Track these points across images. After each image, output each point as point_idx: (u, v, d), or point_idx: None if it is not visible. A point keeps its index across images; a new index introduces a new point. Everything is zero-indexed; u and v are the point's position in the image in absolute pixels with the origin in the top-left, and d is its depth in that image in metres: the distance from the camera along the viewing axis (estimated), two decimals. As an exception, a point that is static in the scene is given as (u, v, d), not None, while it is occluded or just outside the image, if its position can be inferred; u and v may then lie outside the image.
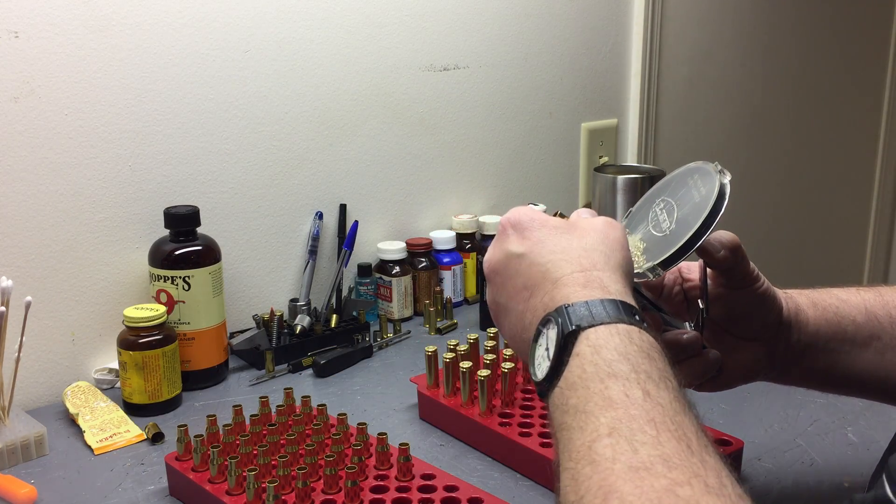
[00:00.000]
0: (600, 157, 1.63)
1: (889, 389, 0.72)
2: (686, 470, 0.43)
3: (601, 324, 0.52)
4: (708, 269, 0.70)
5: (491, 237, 1.40)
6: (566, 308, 0.54)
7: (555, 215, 0.68)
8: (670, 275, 0.72)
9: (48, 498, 0.82)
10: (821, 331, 0.71)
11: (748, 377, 0.72)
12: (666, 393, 0.49)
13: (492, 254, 0.63)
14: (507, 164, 1.49)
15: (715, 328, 0.70)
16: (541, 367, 0.54)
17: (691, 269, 0.73)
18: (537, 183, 1.54)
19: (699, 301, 0.70)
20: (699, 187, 0.66)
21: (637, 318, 0.54)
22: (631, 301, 0.55)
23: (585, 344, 0.51)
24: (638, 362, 0.50)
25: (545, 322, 0.55)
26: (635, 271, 0.64)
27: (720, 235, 0.67)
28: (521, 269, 0.59)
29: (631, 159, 1.69)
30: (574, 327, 0.52)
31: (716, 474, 0.43)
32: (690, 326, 0.69)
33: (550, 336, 0.54)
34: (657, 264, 0.64)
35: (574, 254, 0.58)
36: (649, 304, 0.69)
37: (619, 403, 0.47)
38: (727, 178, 0.65)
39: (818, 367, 0.71)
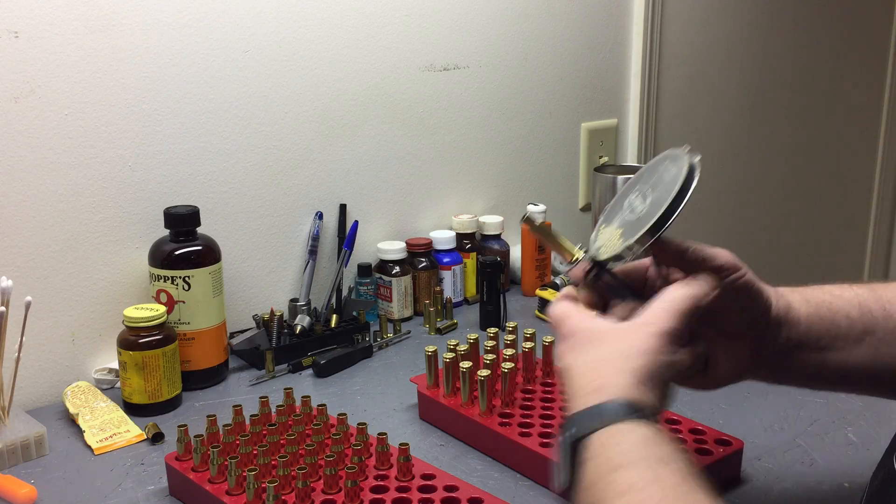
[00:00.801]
0: (600, 157, 1.63)
1: (883, 383, 0.72)
2: None
3: (607, 425, 0.56)
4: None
5: (491, 237, 1.40)
6: (572, 418, 0.59)
7: (523, 221, 0.70)
8: (652, 268, 0.71)
9: (48, 498, 0.82)
10: (813, 328, 0.70)
11: (735, 376, 0.71)
12: (672, 475, 0.52)
13: (559, 353, 0.67)
14: (507, 164, 1.49)
15: (698, 325, 0.68)
16: (563, 476, 0.59)
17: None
18: (537, 183, 1.54)
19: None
20: (669, 169, 0.67)
21: (641, 412, 0.57)
22: (644, 397, 0.58)
23: (594, 447, 0.56)
24: (642, 450, 0.54)
25: (560, 434, 0.60)
26: (614, 253, 0.65)
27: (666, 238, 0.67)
28: (566, 381, 0.64)
29: (631, 159, 1.69)
30: (580, 435, 0.57)
31: None
32: None
33: (562, 446, 0.59)
34: (634, 241, 0.64)
35: (591, 366, 0.62)
36: (627, 292, 0.68)
37: (630, 490, 0.51)
38: (696, 158, 0.65)
39: (810, 365, 0.71)
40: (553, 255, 1.42)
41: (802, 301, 0.71)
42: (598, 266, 0.67)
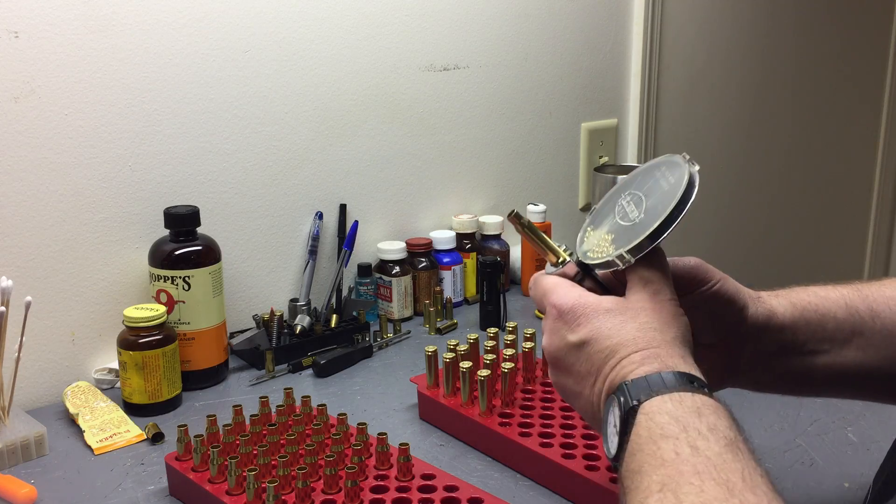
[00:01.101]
0: (600, 157, 1.63)
1: (871, 385, 0.71)
2: None
3: (658, 394, 0.55)
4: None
5: (491, 237, 1.40)
6: (626, 385, 0.57)
7: (511, 216, 0.68)
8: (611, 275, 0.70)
9: (48, 498, 0.82)
10: (799, 332, 0.69)
11: (715, 385, 0.69)
12: (714, 444, 0.51)
13: (549, 341, 0.64)
14: (507, 164, 1.49)
15: None
16: (612, 444, 0.57)
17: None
18: (537, 183, 1.54)
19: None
20: (667, 177, 0.64)
21: (694, 383, 0.56)
22: (690, 369, 0.57)
23: (643, 415, 0.54)
24: (688, 421, 0.52)
25: (609, 402, 0.58)
26: (603, 259, 0.63)
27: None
28: (583, 356, 0.61)
29: (631, 159, 1.69)
30: (634, 402, 0.55)
31: None
32: None
33: (615, 414, 0.57)
34: (626, 251, 0.62)
35: (630, 335, 0.59)
36: (608, 294, 0.66)
37: (669, 462, 0.50)
38: (696, 168, 0.63)
39: (797, 370, 0.69)
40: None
41: (788, 305, 0.69)
42: (585, 269, 0.66)
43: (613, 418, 0.57)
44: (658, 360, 0.57)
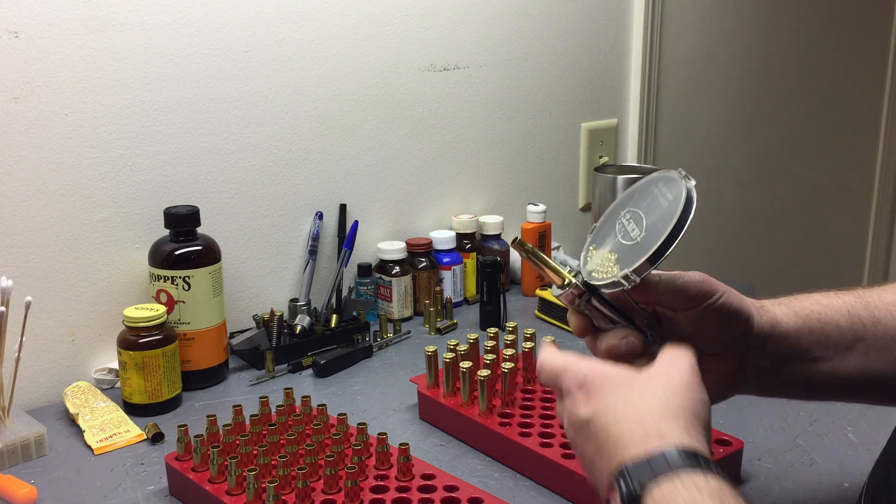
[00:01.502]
0: (600, 157, 1.63)
1: (874, 390, 0.71)
2: None
3: (662, 476, 0.52)
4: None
5: (491, 237, 1.40)
6: (626, 470, 0.54)
7: (514, 243, 0.67)
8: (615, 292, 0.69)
9: (48, 498, 0.82)
10: (803, 340, 0.69)
11: (723, 394, 0.70)
12: None
13: (566, 415, 0.62)
14: (507, 164, 1.49)
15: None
16: None
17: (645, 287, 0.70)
18: (537, 183, 1.54)
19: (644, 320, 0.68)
20: (665, 194, 0.65)
21: (700, 461, 0.53)
22: (694, 443, 0.54)
23: (653, 501, 0.51)
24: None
25: (611, 489, 0.55)
26: (609, 280, 0.63)
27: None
28: (591, 433, 0.59)
29: (631, 159, 1.69)
30: (636, 490, 0.52)
31: None
32: (647, 343, 0.67)
33: (619, 501, 0.54)
34: (631, 271, 0.62)
35: (632, 410, 0.57)
36: (619, 316, 0.67)
37: None
38: (692, 183, 0.64)
39: (801, 377, 0.70)
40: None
41: (791, 314, 0.70)
42: (591, 290, 0.66)
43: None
44: (658, 435, 0.54)
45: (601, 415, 0.58)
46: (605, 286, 0.64)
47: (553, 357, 0.64)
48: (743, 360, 0.68)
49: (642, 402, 0.57)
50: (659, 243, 0.61)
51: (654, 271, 0.63)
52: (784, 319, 0.69)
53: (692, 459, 0.52)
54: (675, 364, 0.60)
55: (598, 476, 0.59)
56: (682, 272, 0.66)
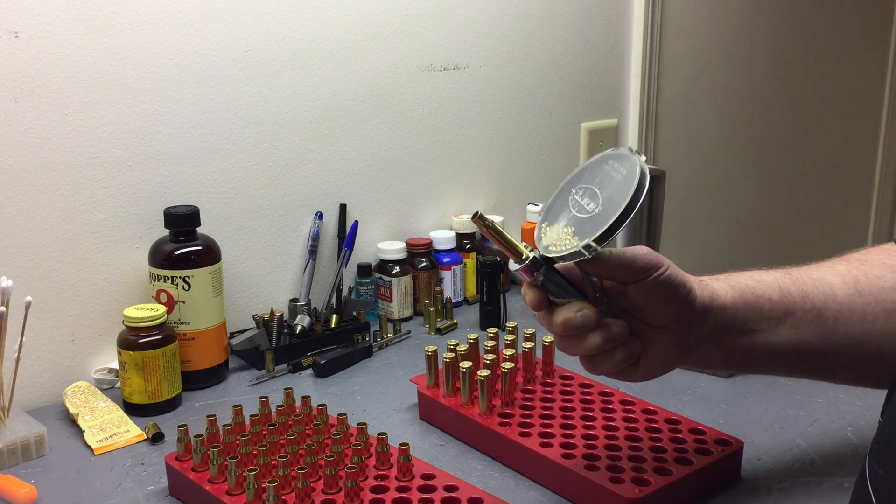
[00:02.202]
0: (600, 157, 1.63)
1: (804, 363, 0.75)
2: None
3: None
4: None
5: (491, 237, 1.40)
6: None
7: (475, 217, 0.68)
8: (567, 267, 0.72)
9: (48, 498, 0.82)
10: (739, 312, 0.73)
11: (666, 366, 0.73)
12: None
13: None
14: (507, 164, 1.49)
15: (627, 318, 0.71)
16: None
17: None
18: (537, 183, 1.54)
19: (596, 292, 0.71)
20: (618, 169, 0.68)
21: None
22: None
23: None
24: None
25: None
26: (569, 251, 0.66)
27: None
28: None
29: (631, 159, 1.69)
30: None
31: None
32: (600, 313, 0.69)
33: None
34: (593, 240, 0.65)
35: None
36: (574, 290, 0.69)
37: None
38: (643, 158, 0.67)
39: (738, 348, 0.73)
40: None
41: (728, 288, 0.73)
42: (548, 263, 0.68)
43: None
44: None
45: None
46: (566, 257, 0.67)
47: None
48: (685, 333, 0.72)
49: None
50: (619, 212, 0.65)
51: (604, 248, 0.66)
52: (722, 293, 0.73)
53: None
54: None
55: None
56: (630, 247, 0.70)
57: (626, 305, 0.71)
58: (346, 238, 1.25)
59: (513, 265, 0.70)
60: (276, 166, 1.20)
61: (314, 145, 1.24)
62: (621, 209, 0.65)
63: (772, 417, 0.95)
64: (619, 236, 0.68)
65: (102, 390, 1.03)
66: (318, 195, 1.25)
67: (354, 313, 1.21)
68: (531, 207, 1.38)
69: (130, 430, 0.93)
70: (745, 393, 1.01)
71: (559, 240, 0.68)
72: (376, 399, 1.03)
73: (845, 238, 2.38)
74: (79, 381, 1.02)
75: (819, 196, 2.24)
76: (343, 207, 1.27)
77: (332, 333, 1.16)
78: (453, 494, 0.74)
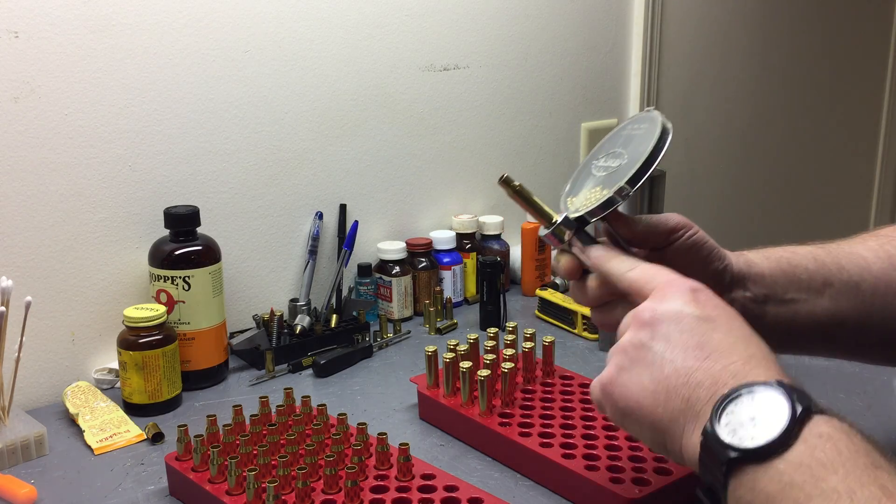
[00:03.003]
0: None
1: (843, 337, 0.74)
2: None
3: (822, 413, 0.48)
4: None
5: (491, 237, 1.40)
6: (789, 385, 0.49)
7: (501, 180, 0.67)
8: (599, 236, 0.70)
9: (48, 498, 0.82)
10: (778, 281, 0.72)
11: None
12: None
13: (651, 314, 0.57)
14: (507, 164, 1.49)
15: None
16: (754, 435, 0.48)
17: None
18: (537, 183, 1.54)
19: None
20: (638, 127, 0.67)
21: (814, 404, 0.49)
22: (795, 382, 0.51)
23: (826, 428, 0.47)
24: (853, 463, 0.45)
25: (752, 386, 0.49)
26: (602, 200, 0.64)
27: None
28: (699, 329, 0.54)
29: (631, 159, 1.69)
30: (804, 408, 0.47)
31: None
32: None
33: (770, 404, 0.48)
34: (625, 182, 0.63)
35: (745, 344, 0.54)
36: (620, 238, 0.68)
37: None
38: (663, 115, 0.66)
39: (781, 318, 0.71)
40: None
41: (762, 257, 0.73)
42: (581, 222, 0.66)
43: (761, 407, 0.48)
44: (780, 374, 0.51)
45: (724, 324, 0.54)
46: (598, 209, 0.65)
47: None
48: (726, 300, 0.68)
49: (742, 342, 0.54)
50: (647, 154, 0.63)
51: (633, 215, 0.65)
52: (757, 261, 0.72)
53: (811, 405, 0.48)
54: (721, 304, 0.58)
55: (681, 363, 0.53)
56: (658, 214, 0.69)
57: None
58: (346, 238, 1.25)
59: (542, 231, 0.68)
60: (276, 166, 1.20)
61: (314, 145, 1.24)
62: (649, 150, 0.63)
63: (772, 417, 0.95)
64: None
65: (102, 390, 1.03)
66: (318, 195, 1.25)
67: (354, 313, 1.21)
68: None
69: (130, 430, 0.93)
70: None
71: (588, 200, 0.66)
72: (376, 399, 1.03)
73: (845, 237, 2.38)
74: (79, 381, 1.02)
75: (819, 196, 2.24)
76: (343, 207, 1.27)
77: (332, 333, 1.16)
78: (453, 494, 0.74)
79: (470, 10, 1.38)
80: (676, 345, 0.54)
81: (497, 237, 1.40)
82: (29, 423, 0.91)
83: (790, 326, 0.72)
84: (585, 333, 1.20)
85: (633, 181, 0.63)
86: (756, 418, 0.48)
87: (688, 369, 0.53)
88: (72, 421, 0.96)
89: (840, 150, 2.26)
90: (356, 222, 1.27)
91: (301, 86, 1.21)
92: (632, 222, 0.67)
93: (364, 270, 1.28)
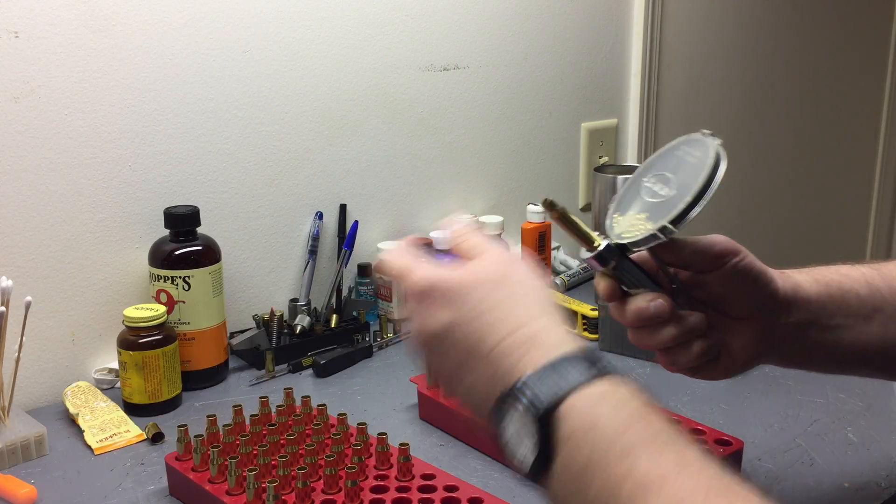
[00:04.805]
0: (600, 157, 1.63)
1: (893, 362, 0.72)
2: None
3: (575, 390, 0.47)
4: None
5: (491, 237, 1.39)
6: (523, 384, 0.49)
7: (545, 204, 0.64)
8: (642, 257, 0.68)
9: (48, 498, 0.82)
10: (826, 306, 0.70)
11: (749, 361, 0.70)
12: (692, 452, 0.46)
13: (418, 325, 0.56)
14: (507, 164, 1.49)
15: (707, 310, 0.68)
16: (524, 458, 0.49)
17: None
18: (537, 183, 1.54)
19: (670, 283, 0.68)
20: (691, 153, 0.65)
21: (602, 365, 0.49)
22: (580, 342, 0.51)
23: (575, 421, 0.47)
24: (643, 427, 0.46)
25: (503, 403, 0.50)
26: (645, 234, 0.63)
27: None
28: (453, 341, 0.53)
29: (631, 159, 1.69)
30: (546, 407, 0.47)
31: None
32: (676, 308, 0.66)
33: (519, 421, 0.49)
34: (669, 222, 0.62)
35: (501, 312, 0.53)
36: (647, 279, 0.66)
37: (661, 481, 0.44)
38: (718, 141, 0.64)
39: (823, 345, 0.70)
40: (552, 254, 1.42)
41: (811, 281, 0.70)
42: (622, 251, 0.65)
43: (517, 426, 0.49)
44: (547, 342, 0.50)
45: (466, 317, 0.53)
46: (641, 242, 0.63)
47: (406, 257, 0.58)
48: (768, 325, 0.68)
49: (515, 305, 0.53)
50: (694, 193, 0.62)
51: (680, 230, 0.63)
52: (806, 285, 0.70)
53: (591, 366, 0.49)
54: (513, 260, 0.57)
55: (465, 382, 0.54)
56: (705, 235, 0.67)
57: (704, 297, 0.68)
58: (346, 238, 1.25)
59: (584, 254, 0.67)
60: (276, 166, 1.20)
61: (314, 145, 1.24)
62: (697, 189, 0.62)
63: (772, 417, 0.95)
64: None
65: (102, 390, 1.03)
66: (318, 195, 1.25)
67: (354, 313, 1.21)
68: (531, 207, 1.38)
69: (130, 430, 0.93)
70: (745, 393, 1.01)
71: (632, 227, 0.65)
72: (376, 399, 1.03)
73: (845, 238, 2.38)
74: (79, 381, 1.02)
75: (819, 196, 2.24)
76: (343, 207, 1.27)
77: (332, 333, 1.16)
78: (453, 494, 0.74)
79: (470, 10, 1.38)
80: (444, 366, 0.56)
81: (497, 237, 1.40)
82: (29, 423, 0.91)
83: (832, 351, 0.71)
84: (585, 333, 1.20)
85: (676, 221, 0.62)
86: (519, 438, 0.50)
87: (468, 384, 0.54)
88: (72, 421, 0.96)
89: (840, 150, 2.26)
90: (356, 222, 1.27)
91: (301, 86, 1.20)
92: (677, 247, 0.65)
93: (364, 270, 1.27)
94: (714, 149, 0.63)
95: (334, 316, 1.20)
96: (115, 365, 1.04)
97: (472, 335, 0.53)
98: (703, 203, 0.62)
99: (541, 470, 0.49)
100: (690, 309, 0.66)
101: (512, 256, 0.59)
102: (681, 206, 0.62)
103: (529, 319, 0.53)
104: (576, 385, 0.48)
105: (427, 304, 0.55)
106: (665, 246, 0.64)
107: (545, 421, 0.48)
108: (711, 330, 0.67)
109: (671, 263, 0.67)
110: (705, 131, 0.66)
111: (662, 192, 0.65)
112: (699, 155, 0.64)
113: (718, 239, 0.67)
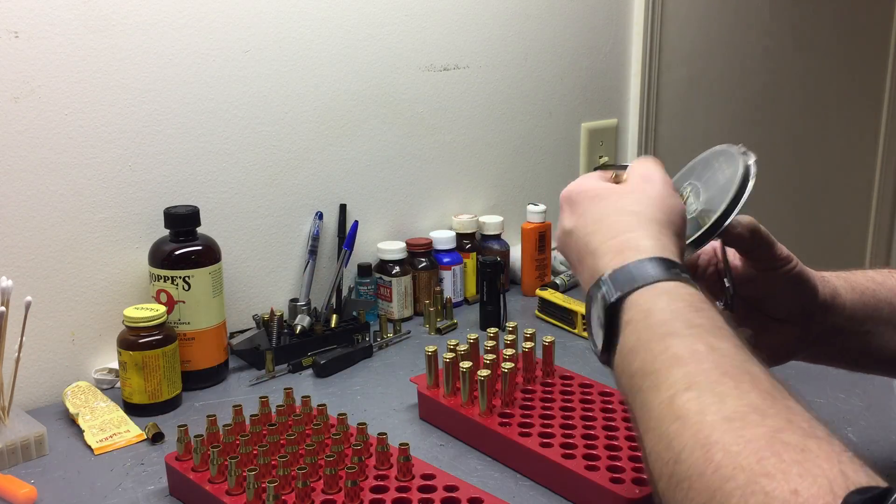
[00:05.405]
0: (600, 157, 1.63)
1: None
2: (780, 417, 0.44)
3: (643, 286, 0.54)
4: (732, 250, 0.71)
5: (491, 237, 1.40)
6: (604, 279, 0.57)
7: (611, 178, 0.69)
8: (705, 255, 0.74)
9: (48, 498, 0.82)
10: (858, 313, 0.73)
11: (781, 357, 0.73)
12: (726, 343, 0.50)
13: (559, 225, 0.67)
14: (507, 164, 1.49)
15: (747, 307, 0.72)
16: (597, 339, 0.58)
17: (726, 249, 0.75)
18: (537, 183, 1.54)
19: (724, 280, 0.71)
20: (723, 169, 0.68)
21: (676, 270, 0.55)
22: (670, 254, 0.57)
23: (635, 310, 0.54)
24: (690, 318, 0.52)
25: (590, 296, 0.58)
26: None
27: (738, 217, 0.68)
28: (572, 244, 0.64)
29: (631, 159, 1.69)
30: (616, 297, 0.55)
31: (805, 418, 0.44)
32: (720, 305, 0.69)
33: (596, 309, 0.57)
34: (687, 245, 0.65)
35: (607, 221, 0.61)
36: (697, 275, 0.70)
37: (687, 359, 0.49)
38: (752, 160, 0.67)
39: (852, 347, 0.74)
40: (554, 255, 1.42)
41: (848, 288, 0.74)
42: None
43: (596, 313, 0.58)
44: (635, 247, 0.58)
45: (580, 227, 0.63)
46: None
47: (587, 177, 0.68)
48: (807, 326, 0.72)
49: (617, 216, 0.61)
50: (714, 219, 0.65)
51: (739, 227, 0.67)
52: (843, 292, 0.73)
53: (670, 268, 0.55)
54: (647, 178, 0.64)
55: (583, 281, 0.63)
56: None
57: (749, 295, 0.72)
58: (346, 238, 1.25)
59: None
60: (276, 166, 1.20)
61: (314, 145, 1.24)
62: (716, 216, 0.65)
63: (772, 417, 0.95)
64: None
65: (102, 390, 1.03)
66: (318, 195, 1.25)
67: (354, 313, 1.21)
68: (531, 207, 1.38)
69: (130, 430, 0.93)
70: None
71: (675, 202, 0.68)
72: (376, 399, 1.03)
73: (845, 239, 2.38)
74: (79, 381, 1.02)
75: (819, 196, 2.24)
76: (343, 207, 1.27)
77: (332, 333, 1.16)
78: (453, 494, 0.74)
79: (470, 10, 1.38)
80: (570, 259, 0.66)
81: (497, 237, 1.40)
82: (29, 423, 0.91)
83: (859, 355, 0.74)
84: (585, 333, 1.20)
85: (697, 244, 0.65)
86: (598, 321, 0.58)
87: (582, 279, 0.63)
88: (72, 421, 0.96)
89: (840, 150, 2.26)
90: (356, 222, 1.27)
91: (301, 86, 1.21)
92: (765, 243, 0.69)
93: (364, 270, 1.27)
94: (740, 173, 0.66)
95: (334, 316, 1.20)
96: (115, 365, 1.04)
97: (584, 238, 0.62)
98: (721, 229, 0.65)
99: (609, 353, 0.56)
100: (738, 309, 0.70)
101: (645, 177, 0.65)
102: (696, 234, 0.65)
103: (627, 229, 0.60)
104: (643, 283, 0.55)
105: (563, 210, 0.67)
106: (757, 234, 0.68)
107: (613, 309, 0.55)
108: (745, 328, 0.71)
109: (745, 248, 0.70)
110: (742, 147, 0.69)
111: (691, 208, 0.69)
112: (728, 175, 0.67)
113: (780, 244, 0.70)
